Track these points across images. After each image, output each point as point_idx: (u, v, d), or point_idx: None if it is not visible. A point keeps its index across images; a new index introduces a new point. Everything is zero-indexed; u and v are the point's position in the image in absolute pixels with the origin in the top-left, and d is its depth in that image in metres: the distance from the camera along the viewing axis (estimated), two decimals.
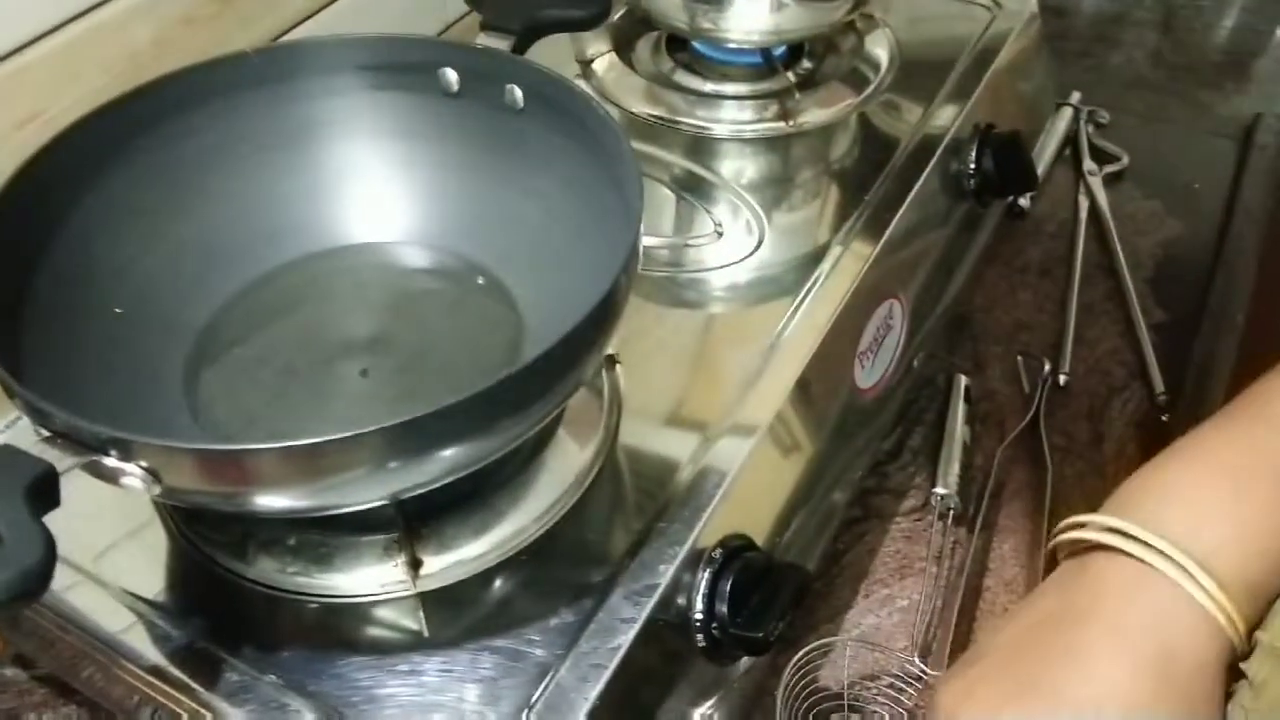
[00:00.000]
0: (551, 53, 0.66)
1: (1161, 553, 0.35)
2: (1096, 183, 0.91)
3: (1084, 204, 0.89)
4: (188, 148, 0.54)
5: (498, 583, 0.48)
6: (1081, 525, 0.38)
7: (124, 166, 0.51)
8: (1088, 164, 0.93)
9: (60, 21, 0.60)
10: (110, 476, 0.38)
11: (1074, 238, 0.86)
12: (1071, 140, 0.96)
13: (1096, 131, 0.97)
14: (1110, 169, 0.93)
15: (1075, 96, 0.99)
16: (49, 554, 0.33)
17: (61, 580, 0.48)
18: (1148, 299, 0.82)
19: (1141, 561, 0.35)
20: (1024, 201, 0.88)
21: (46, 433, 0.37)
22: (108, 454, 0.37)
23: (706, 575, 0.49)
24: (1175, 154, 0.95)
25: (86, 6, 0.61)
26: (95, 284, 0.50)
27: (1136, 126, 0.97)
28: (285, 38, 0.72)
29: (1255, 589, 0.35)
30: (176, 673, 0.45)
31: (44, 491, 0.35)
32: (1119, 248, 0.85)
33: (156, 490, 0.38)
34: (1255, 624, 0.36)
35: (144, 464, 0.37)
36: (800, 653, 0.56)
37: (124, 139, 0.51)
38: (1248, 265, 0.83)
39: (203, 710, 0.45)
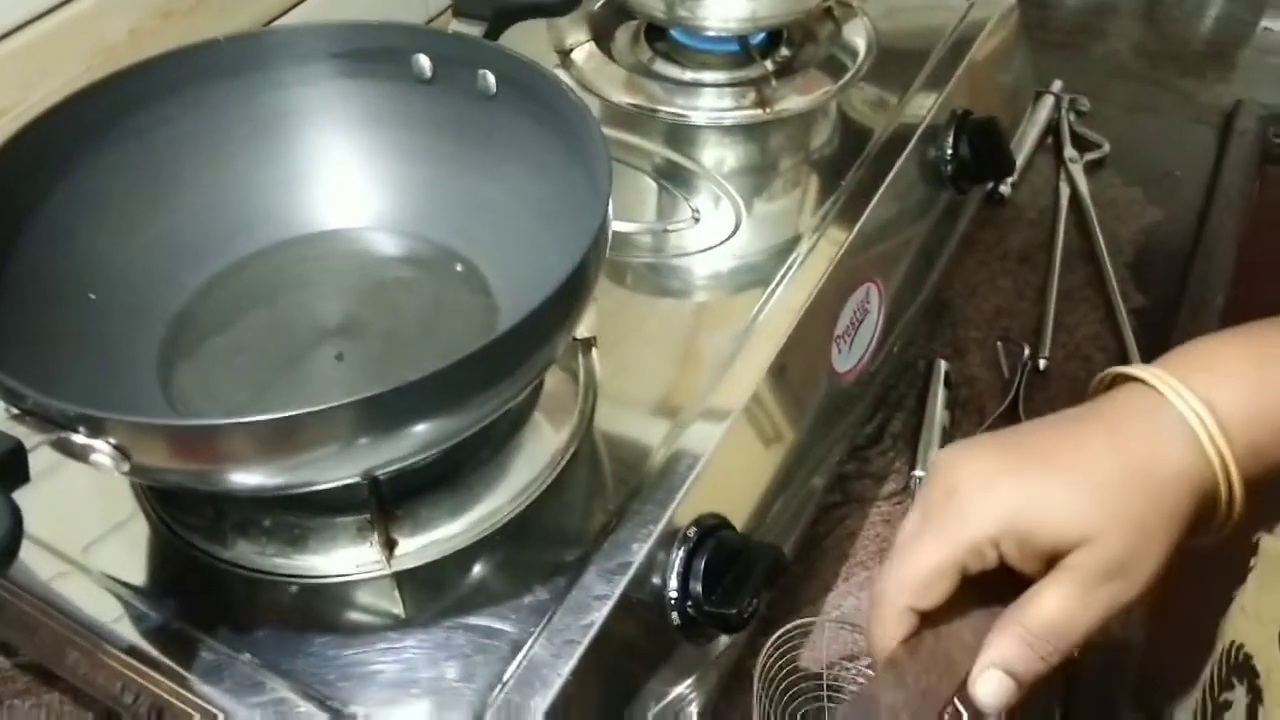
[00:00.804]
0: (530, 43, 0.67)
1: (1176, 391, 0.38)
2: (1077, 170, 0.91)
3: (1065, 191, 0.90)
4: (160, 136, 0.54)
5: (473, 562, 0.49)
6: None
7: (96, 155, 0.52)
8: (1069, 151, 0.93)
9: (36, 14, 0.61)
10: (80, 454, 0.38)
11: (1055, 224, 0.87)
12: (1053, 128, 0.96)
13: (1078, 120, 0.97)
14: (1091, 156, 0.93)
15: (1057, 85, 0.99)
16: (15, 528, 0.33)
17: (49, 569, 0.49)
18: (1128, 284, 0.82)
19: (1158, 394, 0.38)
20: (1004, 188, 0.88)
21: (16, 411, 0.38)
22: (76, 431, 0.37)
23: (681, 553, 0.50)
24: (1156, 142, 0.96)
25: None
26: (69, 270, 0.50)
27: (1118, 115, 0.98)
28: None
29: (1259, 450, 0.38)
30: (153, 652, 0.46)
31: (12, 466, 0.36)
32: (1099, 234, 0.85)
33: (126, 468, 0.38)
34: (1253, 486, 0.38)
35: (113, 441, 0.38)
36: (778, 632, 0.57)
37: (96, 127, 0.52)
38: (1227, 250, 0.84)
39: (184, 692, 0.45)
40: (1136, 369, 0.40)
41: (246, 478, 0.41)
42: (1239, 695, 0.42)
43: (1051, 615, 0.37)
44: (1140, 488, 0.37)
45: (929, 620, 0.40)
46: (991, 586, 0.40)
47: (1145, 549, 0.37)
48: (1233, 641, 0.44)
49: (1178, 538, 0.38)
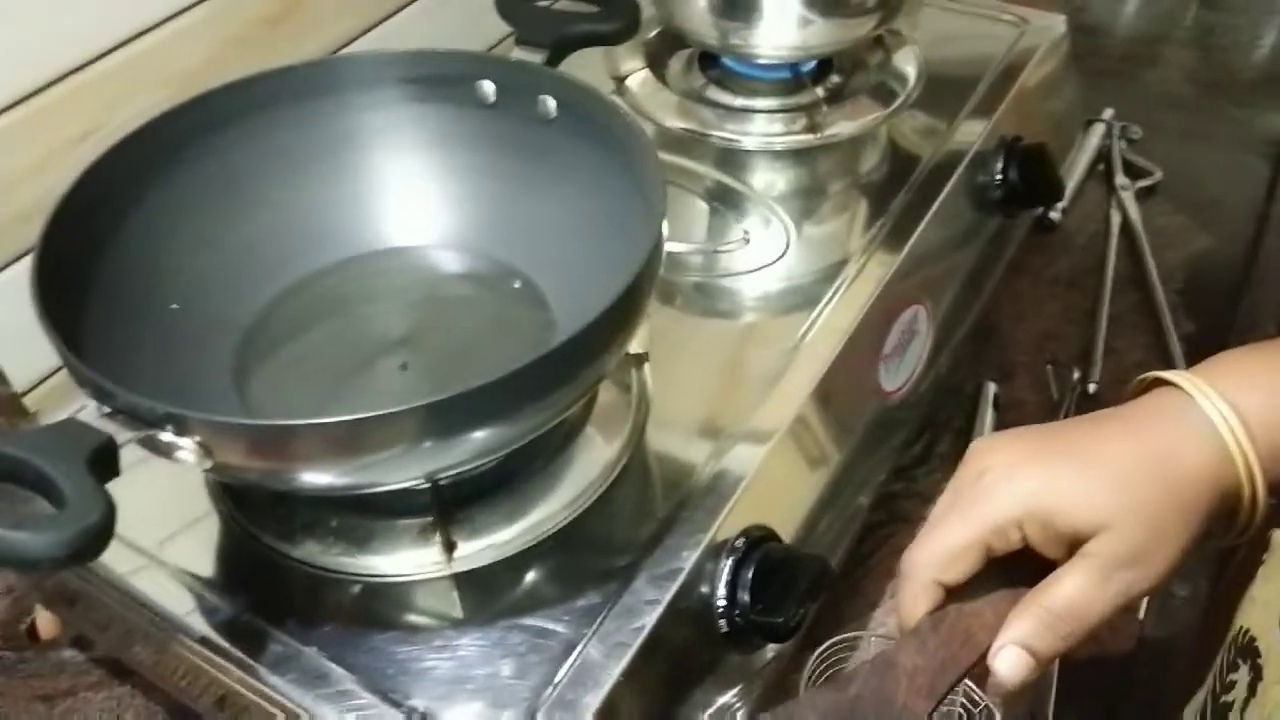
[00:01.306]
0: (588, 70, 0.69)
1: (1204, 394, 0.39)
2: (1128, 197, 0.92)
3: (1115, 218, 0.90)
4: (237, 157, 0.57)
5: (527, 566, 0.50)
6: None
7: (178, 174, 0.55)
8: (1120, 179, 0.94)
9: (118, 42, 0.64)
10: (165, 451, 0.40)
11: (1105, 250, 0.87)
12: (1104, 156, 0.97)
13: (1129, 147, 0.98)
14: (1142, 184, 0.94)
15: (1108, 113, 1.00)
16: (109, 516, 0.36)
17: (128, 564, 0.52)
18: (1178, 310, 0.82)
19: (1187, 395, 0.40)
20: (1054, 214, 0.89)
21: (108, 410, 0.40)
22: (164, 429, 0.40)
23: (729, 563, 0.51)
24: (1208, 169, 0.96)
25: (143, 28, 0.65)
26: (153, 282, 0.53)
27: (1170, 142, 0.98)
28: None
29: None
30: (224, 643, 0.48)
31: (105, 461, 0.38)
32: (1150, 260, 0.86)
33: (208, 464, 0.40)
34: (1276, 489, 0.40)
35: (197, 439, 0.40)
36: (823, 646, 0.57)
37: (178, 148, 0.55)
38: (1278, 277, 0.84)
39: (254, 682, 0.47)
40: (1169, 373, 0.41)
41: (318, 476, 0.43)
42: (1242, 674, 0.43)
43: (1071, 597, 0.39)
44: (1160, 481, 0.39)
45: (954, 597, 0.42)
46: (1016, 570, 0.41)
47: (1162, 541, 0.39)
48: (1241, 627, 0.45)
49: (1196, 533, 0.39)
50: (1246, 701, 0.43)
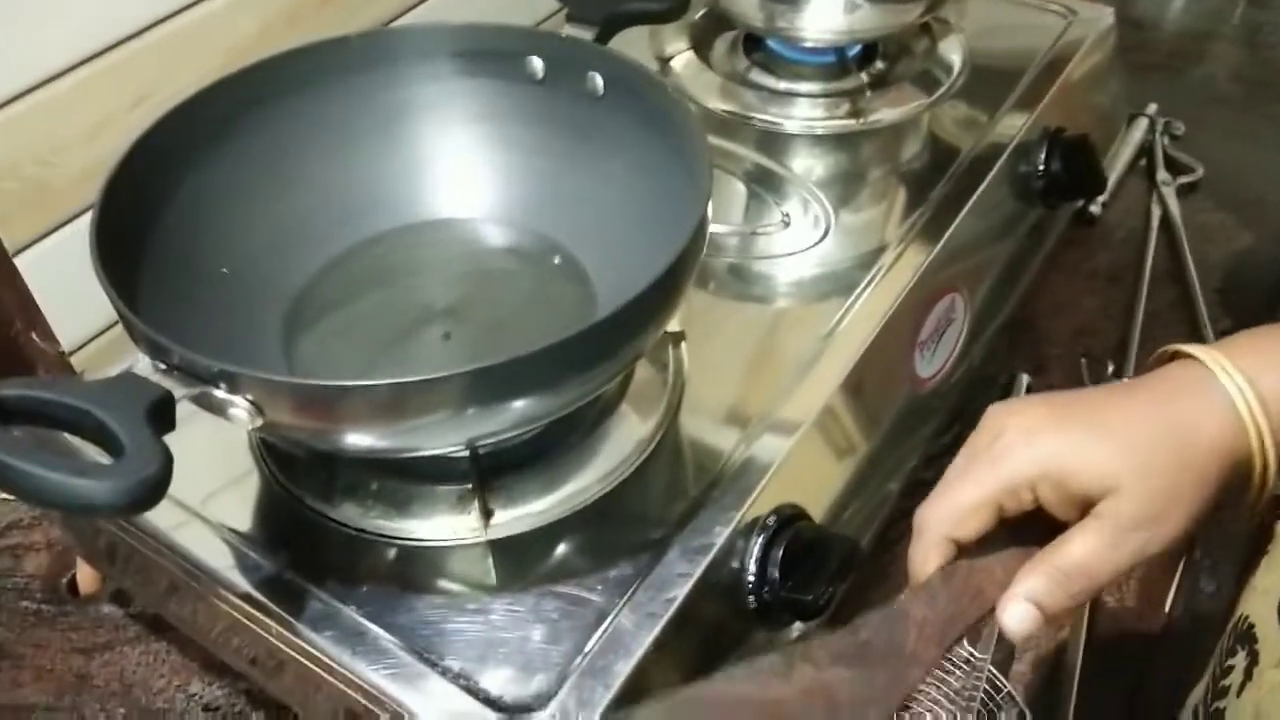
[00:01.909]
0: (632, 50, 0.70)
1: (1222, 366, 0.40)
2: (1169, 193, 0.91)
3: (1156, 213, 0.90)
4: (289, 127, 0.58)
5: (561, 536, 0.51)
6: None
7: (230, 142, 0.56)
8: (1161, 174, 0.93)
9: (171, 11, 0.65)
10: (218, 408, 0.41)
11: (1144, 245, 0.87)
12: (1146, 151, 0.96)
13: (1173, 143, 0.97)
14: (1184, 180, 0.93)
15: (1152, 108, 0.99)
16: (166, 466, 0.37)
17: (171, 519, 0.53)
18: (1216, 307, 0.82)
19: (1205, 368, 0.40)
20: (1094, 208, 0.89)
21: (164, 366, 0.41)
22: (218, 386, 0.41)
23: (760, 540, 0.52)
24: (1251, 168, 0.95)
25: None
26: (204, 246, 0.54)
27: (1213, 140, 0.97)
28: None
29: None
30: (265, 599, 0.49)
31: (162, 414, 0.39)
32: (1189, 256, 0.85)
33: (259, 422, 0.42)
34: None
35: (249, 397, 0.41)
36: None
37: (231, 117, 0.56)
38: None
39: (293, 638, 0.48)
40: (1189, 346, 0.42)
41: (364, 438, 0.44)
42: (1239, 660, 0.44)
43: (1081, 556, 0.40)
44: (1173, 448, 0.39)
45: (966, 555, 0.43)
46: (1027, 532, 0.42)
47: (1172, 506, 0.39)
48: (1242, 614, 0.46)
49: (1209, 501, 0.40)
50: (1243, 686, 0.43)
